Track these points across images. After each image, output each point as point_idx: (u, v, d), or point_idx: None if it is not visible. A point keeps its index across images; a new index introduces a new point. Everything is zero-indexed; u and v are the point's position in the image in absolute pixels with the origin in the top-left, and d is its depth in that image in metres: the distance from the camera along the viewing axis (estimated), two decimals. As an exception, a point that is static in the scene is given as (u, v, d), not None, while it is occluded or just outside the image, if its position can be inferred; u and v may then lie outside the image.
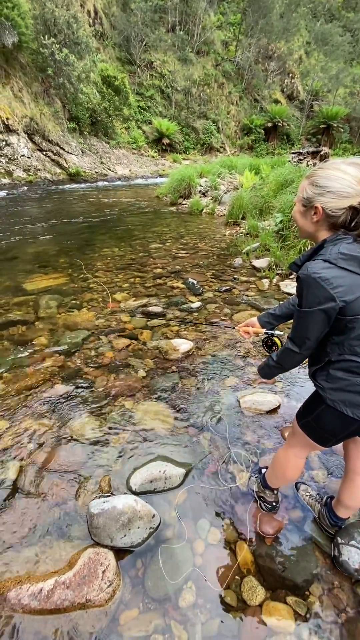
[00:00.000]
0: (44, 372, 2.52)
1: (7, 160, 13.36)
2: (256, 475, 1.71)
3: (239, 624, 1.21)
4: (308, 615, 1.24)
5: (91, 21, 21.44)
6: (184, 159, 22.70)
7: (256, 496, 1.62)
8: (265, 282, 4.27)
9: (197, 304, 3.66)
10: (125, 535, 1.36)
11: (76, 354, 2.75)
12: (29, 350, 2.78)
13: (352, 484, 1.35)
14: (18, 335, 3.00)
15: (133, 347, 2.88)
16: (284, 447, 1.44)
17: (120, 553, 1.38)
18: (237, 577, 1.34)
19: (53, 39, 14.48)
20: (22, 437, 1.94)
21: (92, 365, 2.62)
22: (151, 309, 3.50)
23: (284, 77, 32.44)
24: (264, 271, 4.57)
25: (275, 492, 1.59)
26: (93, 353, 2.77)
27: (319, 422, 1.19)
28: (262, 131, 28.28)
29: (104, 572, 1.26)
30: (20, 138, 13.94)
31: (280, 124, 27.83)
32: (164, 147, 22.86)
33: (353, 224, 0.99)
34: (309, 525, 1.54)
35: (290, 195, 5.17)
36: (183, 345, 2.85)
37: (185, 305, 3.65)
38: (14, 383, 2.39)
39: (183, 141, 24.78)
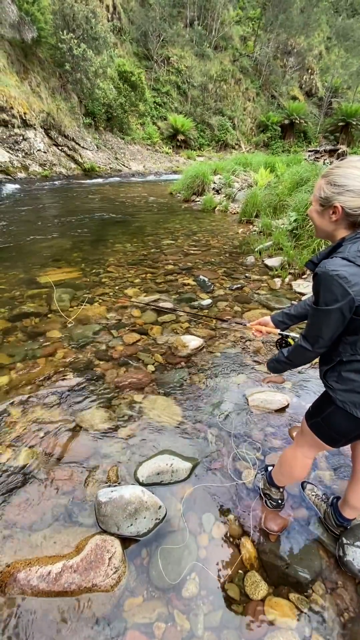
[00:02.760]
0: (55, 363, 2.57)
1: (23, 154, 13.54)
2: (262, 472, 1.71)
3: (241, 617, 1.23)
4: (310, 613, 1.24)
5: (109, 16, 21.45)
6: (198, 155, 22.57)
7: (262, 493, 1.63)
8: (277, 281, 4.23)
9: (207, 301, 3.66)
10: (131, 525, 1.38)
11: (87, 347, 2.80)
12: (42, 342, 2.83)
13: (356, 482, 1.35)
14: (31, 327, 3.06)
15: (143, 342, 2.91)
16: (292, 446, 1.44)
17: (126, 541, 1.41)
18: (240, 571, 1.36)
19: (71, 34, 14.55)
20: (33, 426, 1.99)
21: (102, 358, 2.66)
22: (162, 304, 3.52)
23: (303, 73, 31.83)
24: (276, 270, 4.54)
25: (281, 489, 1.59)
26: (104, 347, 2.81)
27: (328, 423, 1.19)
28: (279, 128, 27.86)
29: (110, 558, 1.29)
30: (37, 133, 14.10)
31: (297, 121, 27.37)
32: (178, 144, 22.78)
33: None
34: (314, 524, 1.54)
35: (305, 194, 5.11)
36: (193, 341, 2.86)
37: (195, 302, 3.66)
38: (27, 373, 2.45)
39: (198, 138, 24.62)
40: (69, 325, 3.10)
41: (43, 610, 1.21)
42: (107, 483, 1.65)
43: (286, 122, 27.54)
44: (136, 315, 3.34)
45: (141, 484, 1.61)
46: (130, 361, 2.64)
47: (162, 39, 23.22)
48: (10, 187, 11.08)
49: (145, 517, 1.41)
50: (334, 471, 1.80)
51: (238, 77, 27.90)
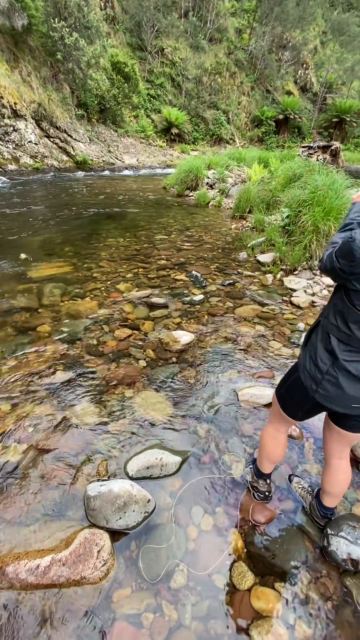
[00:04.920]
0: (46, 358, 2.56)
1: (14, 146, 13.27)
2: (250, 465, 1.74)
3: (228, 606, 1.25)
4: (295, 602, 1.27)
5: (102, 4, 20.97)
6: (192, 149, 22.37)
7: (250, 486, 1.66)
8: (269, 277, 4.26)
9: (200, 297, 3.67)
10: (120, 518, 1.40)
11: (78, 342, 2.79)
12: (32, 337, 2.81)
13: (329, 469, 1.40)
14: (22, 322, 3.03)
15: (134, 338, 2.90)
16: (266, 424, 1.54)
17: (115, 535, 1.42)
18: (227, 562, 1.38)
19: (63, 22, 14.20)
20: (23, 421, 1.98)
21: (93, 353, 2.65)
22: (154, 300, 3.52)
23: (298, 67, 31.65)
24: (268, 266, 4.56)
25: (268, 481, 1.63)
26: (95, 342, 2.80)
27: (289, 391, 1.32)
28: (273, 123, 27.73)
29: (99, 551, 1.31)
30: (27, 124, 13.81)
31: (291, 117, 27.28)
32: (172, 137, 22.54)
33: None
34: (300, 516, 1.57)
35: (298, 190, 5.11)
36: (184, 337, 2.87)
37: (188, 298, 3.66)
38: (17, 368, 2.43)
39: (192, 131, 24.39)
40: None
41: (32, 603, 1.21)
42: (96, 477, 1.66)
43: (280, 117, 27.44)
44: (128, 310, 3.33)
45: (131, 478, 1.62)
46: (121, 356, 2.64)
47: (156, 29, 22.83)
48: (0, 180, 10.86)
49: (134, 511, 1.43)
50: (320, 464, 1.84)
51: (233, 71, 27.64)
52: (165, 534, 1.45)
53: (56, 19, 14.12)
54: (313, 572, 1.37)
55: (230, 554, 1.41)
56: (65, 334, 2.87)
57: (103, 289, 3.77)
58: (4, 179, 11.02)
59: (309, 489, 1.63)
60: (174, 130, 22.42)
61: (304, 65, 32.06)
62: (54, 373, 2.41)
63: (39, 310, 3.24)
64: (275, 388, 1.43)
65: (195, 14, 25.70)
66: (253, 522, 1.53)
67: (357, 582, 1.31)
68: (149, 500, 1.49)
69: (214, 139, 25.47)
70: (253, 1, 29.09)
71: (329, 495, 1.45)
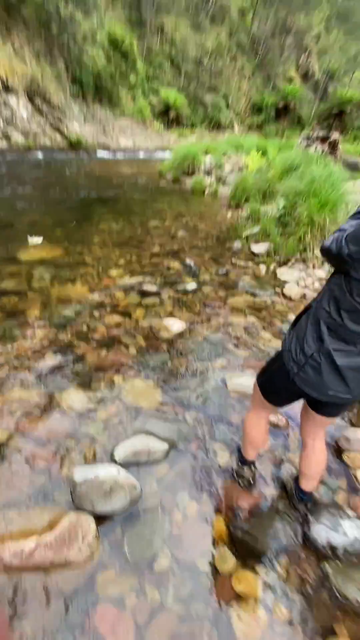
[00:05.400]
0: (34, 343, 2.52)
1: (5, 123, 12.77)
2: (236, 453, 1.77)
3: (210, 589, 1.28)
4: (274, 585, 1.31)
5: (100, -25, 19.96)
6: (190, 133, 21.90)
7: (235, 474, 1.68)
8: (263, 267, 4.24)
9: (193, 286, 3.64)
10: (106, 503, 1.40)
11: (68, 327, 2.75)
12: (21, 321, 2.76)
13: (305, 450, 1.45)
14: (10, 306, 2.97)
15: (125, 324, 2.88)
16: (247, 410, 1.57)
17: (100, 519, 1.43)
18: (210, 546, 1.41)
19: (59, -8, 13.53)
20: (10, 406, 1.96)
21: (83, 339, 2.62)
22: (146, 287, 3.48)
23: (301, 53, 30.95)
24: (262, 257, 4.54)
25: (252, 468, 1.65)
26: (85, 328, 2.77)
27: (270, 378, 1.33)
28: (273, 111, 27.27)
29: (84, 535, 1.31)
30: (19, 99, 13.27)
31: (292, 105, 26.84)
32: (170, 120, 21.99)
33: None
34: (282, 502, 1.61)
35: (295, 181, 5.06)
36: (175, 325, 2.86)
37: (181, 286, 3.63)
38: (5, 353, 2.39)
39: (190, 115, 23.81)
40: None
41: (15, 586, 1.22)
42: (83, 462, 1.66)
43: (281, 105, 26.97)
44: (119, 296, 3.29)
45: (118, 464, 1.63)
46: (111, 343, 2.62)
47: (156, 5, 21.92)
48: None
49: (120, 496, 1.43)
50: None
51: (234, 54, 26.87)
52: (151, 519, 1.47)
53: (51, -12, 13.43)
54: (293, 556, 1.40)
55: (213, 539, 1.43)
56: (54, 319, 2.83)
57: (94, 274, 3.71)
58: (-6, 156, 10.63)
59: (293, 474, 1.67)
60: (172, 114, 21.88)
61: (307, 52, 31.37)
62: (42, 358, 2.38)
63: (28, 294, 3.17)
64: (257, 375, 1.44)
65: (198, -9, 24.74)
66: (237, 508, 1.55)
67: (335, 567, 1.35)
68: (135, 486, 1.50)
69: (212, 124, 24.95)
70: (258, -20, 28.11)
71: (305, 477, 1.49)
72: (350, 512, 1.52)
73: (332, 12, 31.75)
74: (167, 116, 21.83)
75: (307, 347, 1.12)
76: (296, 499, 1.56)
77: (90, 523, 1.36)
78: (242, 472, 1.65)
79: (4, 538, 1.32)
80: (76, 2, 14.30)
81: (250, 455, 1.62)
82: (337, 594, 1.28)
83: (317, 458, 1.44)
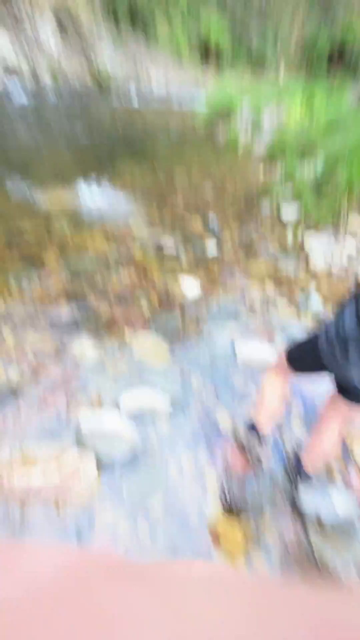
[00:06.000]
0: (50, 291, 2.54)
1: (32, 49, 11.83)
2: (245, 422, 1.77)
3: (197, 537, 1.38)
4: (259, 540, 1.40)
5: None
6: (230, 74, 19.80)
7: (245, 445, 1.66)
8: (290, 234, 4.02)
9: (213, 246, 3.51)
10: (108, 449, 1.49)
11: (83, 278, 2.74)
12: (37, 266, 2.77)
13: (318, 429, 1.44)
14: (27, 250, 2.96)
15: (140, 280, 2.85)
16: (266, 374, 1.51)
17: (102, 462, 1.53)
18: (202, 498, 1.50)
19: None
20: (24, 348, 2.03)
21: (97, 291, 2.63)
22: (164, 243, 3.38)
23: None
24: (292, 223, 4.28)
25: (261, 441, 1.64)
26: (100, 279, 2.75)
27: (302, 353, 1.30)
28: (327, 55, 24.10)
29: (86, 472, 1.41)
30: (46, 23, 12.12)
31: (351, 50, 23.56)
32: (208, 55, 19.75)
33: None
34: (278, 469, 1.66)
35: (339, 137, 4.59)
36: (191, 286, 2.81)
37: (200, 246, 3.51)
38: (22, 297, 2.43)
39: (232, 50, 21.26)
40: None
41: (19, 508, 1.35)
42: (89, 408, 1.74)
43: (336, 49, 23.72)
44: (136, 250, 3.22)
45: (122, 413, 1.70)
46: (125, 298, 2.61)
47: None
48: (17, 92, 9.88)
49: (121, 444, 1.51)
50: (306, 425, 1.90)
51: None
52: (149, 469, 1.56)
53: None
54: (279, 519, 1.48)
55: (206, 492, 1.52)
56: (71, 268, 2.82)
57: (113, 225, 3.61)
58: (22, 99, 10.01)
59: (295, 445, 1.70)
60: (212, 50, 19.66)
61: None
62: (56, 305, 2.41)
63: (47, 240, 3.14)
64: (287, 347, 1.38)
65: None
66: (232, 468, 1.62)
67: (319, 536, 1.42)
68: (136, 436, 1.57)
69: (255, 65, 22.38)
70: None
71: (309, 454, 1.51)
72: (339, 483, 1.57)
73: None
74: (206, 53, 19.65)
75: (341, 330, 1.07)
76: (293, 472, 1.59)
77: (92, 461, 1.45)
78: (252, 446, 1.64)
79: (13, 464, 1.43)
80: None
81: (263, 424, 1.60)
82: (315, 557, 1.36)
83: (327, 441, 1.41)
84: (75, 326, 2.27)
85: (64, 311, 2.37)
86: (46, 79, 11.73)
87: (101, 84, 13.65)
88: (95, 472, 1.45)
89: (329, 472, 1.69)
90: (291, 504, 1.52)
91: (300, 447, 1.66)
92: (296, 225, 4.18)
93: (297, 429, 1.88)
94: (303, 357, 1.30)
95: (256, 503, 1.51)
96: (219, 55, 20.13)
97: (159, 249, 3.30)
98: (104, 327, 2.30)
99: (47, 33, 12.05)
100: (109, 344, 2.18)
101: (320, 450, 1.47)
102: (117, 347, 2.17)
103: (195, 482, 1.55)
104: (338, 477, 1.67)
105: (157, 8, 16.61)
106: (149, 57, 16.87)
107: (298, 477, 1.56)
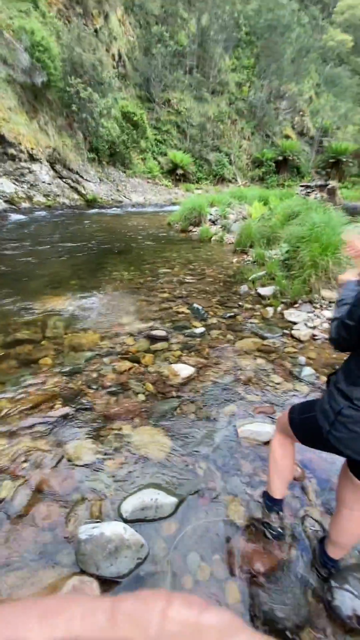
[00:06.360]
0: (46, 392, 2.56)
1: (28, 186, 14.13)
2: (261, 500, 1.66)
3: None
4: (297, 665, 1.17)
5: (115, 64, 23.19)
6: (196, 188, 23.55)
7: (261, 523, 1.57)
8: (270, 310, 4.31)
9: (201, 330, 3.71)
10: (111, 565, 1.33)
11: (78, 375, 2.80)
12: (34, 370, 2.84)
13: (339, 517, 1.32)
14: (25, 354, 3.07)
15: (135, 371, 2.91)
16: (274, 436, 1.50)
17: (105, 583, 1.35)
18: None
19: (79, 79, 15.67)
20: (18, 457, 1.95)
21: (93, 387, 2.66)
22: (155, 332, 3.56)
23: (295, 115, 33.96)
24: (269, 299, 4.63)
25: (281, 514, 1.55)
26: (95, 375, 2.81)
27: (303, 423, 1.28)
28: (273, 164, 29.30)
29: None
30: (42, 166, 14.80)
31: (290, 158, 28.85)
32: (177, 177, 23.86)
33: None
34: (304, 564, 1.48)
35: (296, 227, 5.31)
36: (184, 370, 2.87)
37: (189, 330, 3.70)
38: (16, 402, 2.43)
39: (196, 172, 25.82)
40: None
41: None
42: (89, 519, 1.60)
43: (280, 158, 29.02)
44: (129, 342, 3.37)
45: (125, 520, 1.57)
46: (120, 390, 2.64)
47: (163, 84, 24.98)
48: (14, 217, 11.46)
49: (126, 557, 1.36)
50: (324, 506, 1.76)
51: (234, 118, 29.73)
52: (158, 584, 1.37)
53: (72, 77, 15.61)
54: (317, 630, 1.27)
55: (227, 607, 1.32)
56: (66, 367, 2.89)
57: (106, 322, 3.84)
58: (18, 216, 11.63)
59: (318, 533, 1.55)
60: (179, 171, 23.77)
61: (300, 113, 34.35)
62: (52, 407, 2.40)
63: (42, 343, 3.29)
64: (290, 409, 1.35)
65: (199, 71, 28.15)
66: (252, 571, 1.44)
67: (365, 643, 1.21)
68: (142, 545, 1.42)
69: (217, 179, 26.85)
70: (251, 59, 31.90)
71: (334, 545, 1.37)
72: (376, 576, 1.39)
73: (321, 79, 35.36)
74: (175, 174, 23.73)
75: (334, 404, 1.11)
76: (319, 562, 1.44)
77: (94, 588, 1.28)
78: (269, 521, 1.54)
79: (3, 600, 1.25)
80: (94, 86, 16.49)
81: (278, 492, 1.51)
82: None
83: (353, 529, 1.29)
84: (71, 427, 2.23)
85: (60, 412, 2.36)
86: (40, 202, 13.79)
87: (89, 202, 16.02)
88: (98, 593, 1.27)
89: (360, 560, 1.51)
90: (327, 606, 1.31)
91: (323, 532, 1.52)
92: (275, 300, 4.51)
93: (313, 509, 1.73)
94: (305, 432, 1.27)
95: (285, 610, 1.30)
96: (186, 177, 24.31)
97: (151, 339, 3.47)
98: (100, 425, 2.26)
99: (42, 173, 14.66)
100: (106, 442, 2.12)
101: (348, 543, 1.34)
102: (115, 444, 2.10)
103: (213, 595, 1.36)
104: (372, 565, 1.49)
105: (132, 149, 20.70)
106: (128, 181, 20.25)
107: (324, 567, 1.40)
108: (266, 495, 1.58)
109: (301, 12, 33.29)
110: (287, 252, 5.08)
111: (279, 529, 1.53)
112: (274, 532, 1.52)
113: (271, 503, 1.55)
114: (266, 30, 27.14)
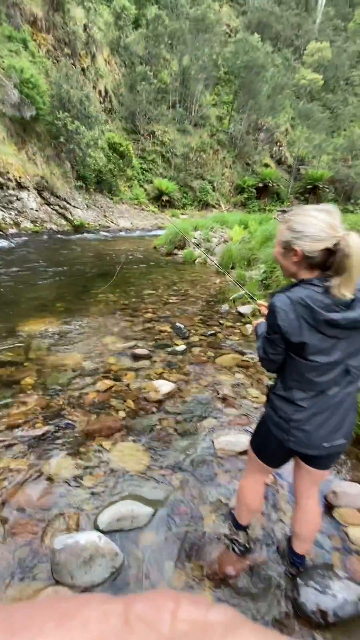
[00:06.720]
0: (26, 411, 2.60)
1: (16, 212, 14.40)
2: (228, 518, 1.73)
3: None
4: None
5: (101, 99, 24.46)
6: (181, 213, 24.37)
7: (228, 540, 1.63)
8: (249, 327, 4.48)
9: (182, 347, 3.82)
10: (86, 573, 1.37)
11: (60, 394, 2.85)
12: (15, 390, 2.87)
13: (298, 509, 1.41)
14: (6, 376, 3.11)
15: (116, 389, 2.98)
16: (243, 475, 1.53)
17: (79, 589, 1.38)
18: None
19: (67, 113, 16.45)
20: (-3, 476, 1.98)
21: (74, 406, 2.71)
22: (138, 351, 3.66)
23: (273, 145, 36.14)
24: (248, 317, 4.81)
25: (247, 531, 1.62)
26: (76, 394, 2.87)
27: (264, 441, 1.33)
28: (254, 190, 30.77)
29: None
30: (30, 194, 15.17)
31: (270, 184, 30.39)
32: (163, 203, 24.70)
33: (328, 264, 1.06)
34: (273, 567, 1.54)
35: (273, 249, 5.61)
36: (164, 386, 2.96)
37: (171, 348, 3.81)
38: (-3, 422, 2.46)
39: (181, 198, 26.82)
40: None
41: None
42: (66, 532, 1.63)
43: (260, 185, 30.52)
44: (111, 362, 3.44)
45: (101, 532, 1.60)
46: (101, 408, 2.69)
47: (148, 117, 26.38)
48: (1, 243, 11.59)
49: (100, 565, 1.40)
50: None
51: (216, 148, 31.38)
52: (133, 592, 1.41)
53: (60, 111, 16.37)
54: (285, 627, 1.32)
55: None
56: (48, 387, 2.94)
57: (89, 342, 3.92)
58: (4, 242, 11.77)
59: (286, 535, 1.62)
60: (165, 198, 24.64)
61: (278, 143, 36.56)
62: (33, 426, 2.44)
63: (25, 364, 3.34)
64: (250, 440, 1.44)
65: (181, 105, 29.90)
66: (224, 576, 1.49)
67: (329, 638, 1.27)
68: (116, 554, 1.47)
69: (201, 205, 27.91)
70: (230, 95, 34.16)
71: (298, 538, 1.45)
72: (340, 573, 1.46)
73: (295, 114, 38.01)
74: (161, 200, 24.59)
75: (282, 413, 1.21)
76: (288, 562, 1.51)
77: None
78: (237, 537, 1.61)
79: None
80: (81, 119, 17.31)
81: (245, 520, 1.60)
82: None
83: (311, 518, 1.41)
84: (52, 445, 2.27)
85: (40, 431, 2.39)
86: (28, 228, 14.03)
87: (76, 228, 16.37)
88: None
89: (328, 565, 1.58)
90: (293, 604, 1.37)
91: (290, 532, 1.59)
92: (254, 318, 4.70)
93: (284, 514, 1.81)
94: (268, 445, 1.32)
95: (257, 611, 1.35)
96: (171, 203, 25.22)
97: (134, 357, 3.55)
98: (80, 442, 2.31)
99: (30, 200, 15.02)
100: (86, 458, 2.17)
101: (309, 533, 1.43)
102: (95, 460, 2.15)
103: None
104: (338, 565, 1.56)
105: (118, 177, 21.49)
106: (115, 208, 20.85)
107: (292, 565, 1.47)
108: (233, 518, 1.65)
109: (274, 54, 36.21)
110: (264, 272, 5.34)
111: (245, 545, 1.59)
112: (241, 548, 1.59)
113: (238, 525, 1.63)
114: (243, 70, 29.25)
